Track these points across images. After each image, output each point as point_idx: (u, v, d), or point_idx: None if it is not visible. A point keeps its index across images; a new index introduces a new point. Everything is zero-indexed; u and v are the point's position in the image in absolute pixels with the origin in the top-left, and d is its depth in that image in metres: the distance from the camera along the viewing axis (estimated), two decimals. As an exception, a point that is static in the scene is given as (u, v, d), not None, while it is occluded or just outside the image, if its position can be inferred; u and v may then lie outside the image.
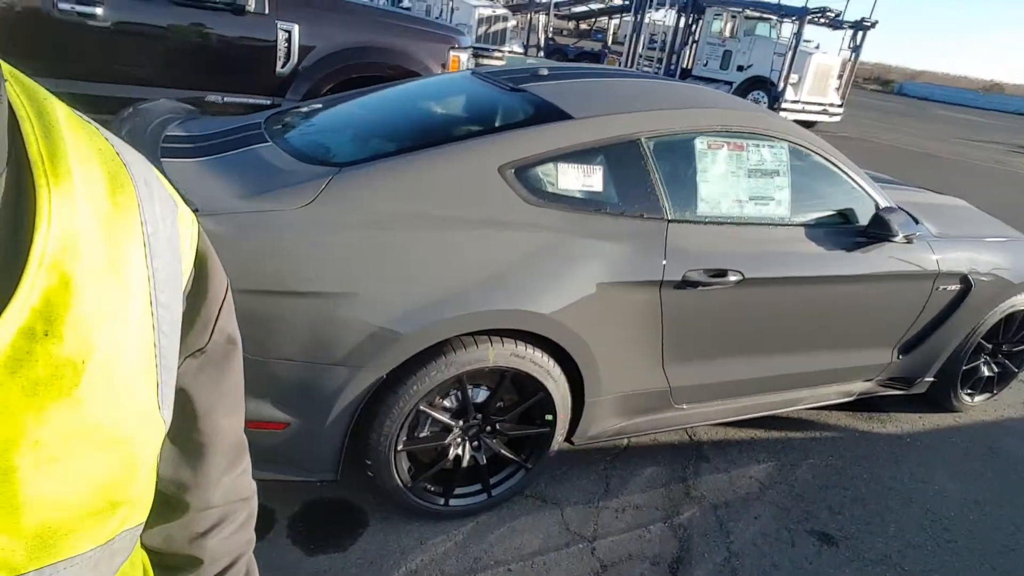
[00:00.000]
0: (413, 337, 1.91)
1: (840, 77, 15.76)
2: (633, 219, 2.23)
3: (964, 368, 3.26)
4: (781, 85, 14.61)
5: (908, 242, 2.63)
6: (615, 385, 2.35)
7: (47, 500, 0.41)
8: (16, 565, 0.41)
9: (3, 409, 0.38)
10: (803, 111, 15.10)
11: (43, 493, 0.41)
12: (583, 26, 25.80)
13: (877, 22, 15.15)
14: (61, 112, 0.45)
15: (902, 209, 2.80)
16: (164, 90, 4.09)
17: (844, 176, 2.66)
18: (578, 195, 2.18)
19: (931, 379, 3.20)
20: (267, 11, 4.28)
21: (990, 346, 3.31)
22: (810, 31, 16.83)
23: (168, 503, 0.61)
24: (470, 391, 2.14)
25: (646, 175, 2.26)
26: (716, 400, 2.64)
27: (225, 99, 4.30)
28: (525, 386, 2.21)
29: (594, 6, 20.65)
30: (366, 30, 4.59)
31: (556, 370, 2.20)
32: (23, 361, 0.39)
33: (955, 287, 2.92)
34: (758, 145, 2.46)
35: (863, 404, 3.34)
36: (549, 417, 2.29)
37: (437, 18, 18.74)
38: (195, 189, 1.96)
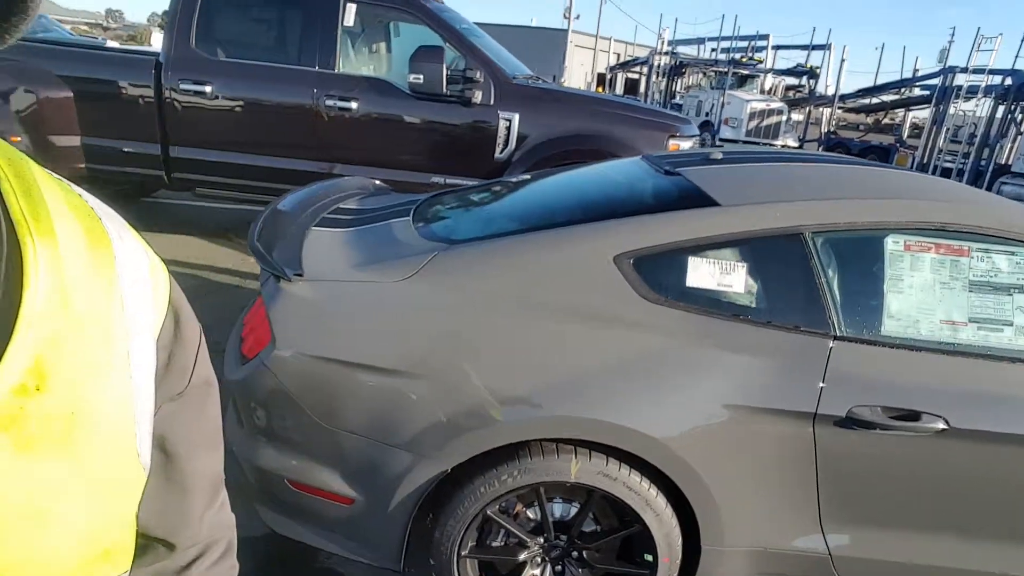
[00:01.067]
0: (481, 432, 1.71)
1: None
2: (783, 331, 1.77)
3: None
4: None
5: None
6: (746, 536, 1.84)
7: (45, 553, 0.43)
8: None
9: None
10: None
11: (41, 546, 0.42)
12: (885, 120, 23.62)
13: None
14: (37, 171, 0.47)
15: None
16: (396, 171, 4.57)
17: None
18: (711, 295, 1.80)
19: None
20: (492, 103, 4.58)
21: None
22: None
23: (156, 545, 0.61)
24: (551, 506, 1.84)
25: (807, 277, 1.80)
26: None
27: (447, 181, 4.65)
28: (619, 513, 1.84)
29: (887, 98, 18.72)
30: (581, 118, 4.65)
31: (659, 501, 1.79)
32: (16, 418, 0.40)
33: None
34: (988, 250, 1.82)
35: None
36: (648, 557, 1.87)
37: (707, 114, 18.72)
38: (320, 256, 2.04)
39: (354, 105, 4.58)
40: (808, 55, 21.62)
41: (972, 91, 14.91)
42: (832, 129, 19.27)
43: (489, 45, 4.93)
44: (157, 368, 0.53)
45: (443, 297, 1.83)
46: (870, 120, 21.82)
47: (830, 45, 21.10)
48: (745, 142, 16.90)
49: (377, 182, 3.13)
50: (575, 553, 1.92)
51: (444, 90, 4.44)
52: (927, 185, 2.16)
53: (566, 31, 48.25)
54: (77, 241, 0.46)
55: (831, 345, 1.75)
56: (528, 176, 2.87)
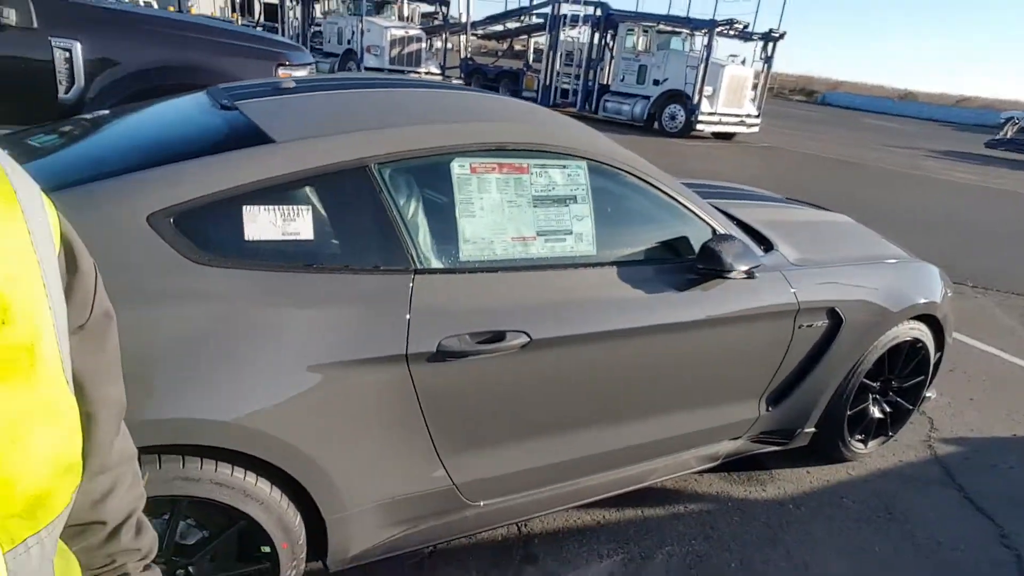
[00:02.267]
0: None
1: (755, 88, 15.77)
2: (361, 275, 1.63)
3: (849, 413, 2.76)
4: (696, 98, 14.49)
5: (749, 276, 2.10)
6: (371, 492, 1.74)
7: (24, 473, 0.47)
8: (14, 535, 0.48)
9: None
10: (720, 123, 15.02)
11: (18, 466, 0.47)
12: (517, 46, 25.65)
13: (785, 33, 15.24)
14: None
15: (744, 236, 2.29)
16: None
17: (668, 198, 2.13)
18: (276, 247, 1.57)
19: (812, 429, 2.69)
20: (35, 25, 3.58)
21: (877, 385, 2.83)
22: (725, 45, 16.85)
23: None
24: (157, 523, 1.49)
25: (379, 213, 1.67)
26: (530, 490, 2.05)
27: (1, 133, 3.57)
28: (224, 511, 1.58)
29: (512, 25, 20.32)
30: (169, 46, 3.93)
31: (262, 488, 1.57)
32: None
33: (822, 323, 2.42)
34: (544, 166, 1.90)
35: (744, 463, 2.82)
36: (266, 549, 1.66)
37: (348, 41, 18.17)
38: None
39: None
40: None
41: (575, 20, 16.94)
42: (469, 56, 20.33)
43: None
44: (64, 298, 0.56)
45: None
46: (504, 47, 23.56)
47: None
48: (390, 70, 16.89)
49: None
50: (181, 572, 1.61)
51: (-48, 9, 3.31)
52: (490, 106, 2.19)
53: (184, -52, 42.21)
54: None
55: (412, 280, 1.66)
56: (87, 117, 2.25)
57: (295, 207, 1.58)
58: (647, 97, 15.47)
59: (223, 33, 4.29)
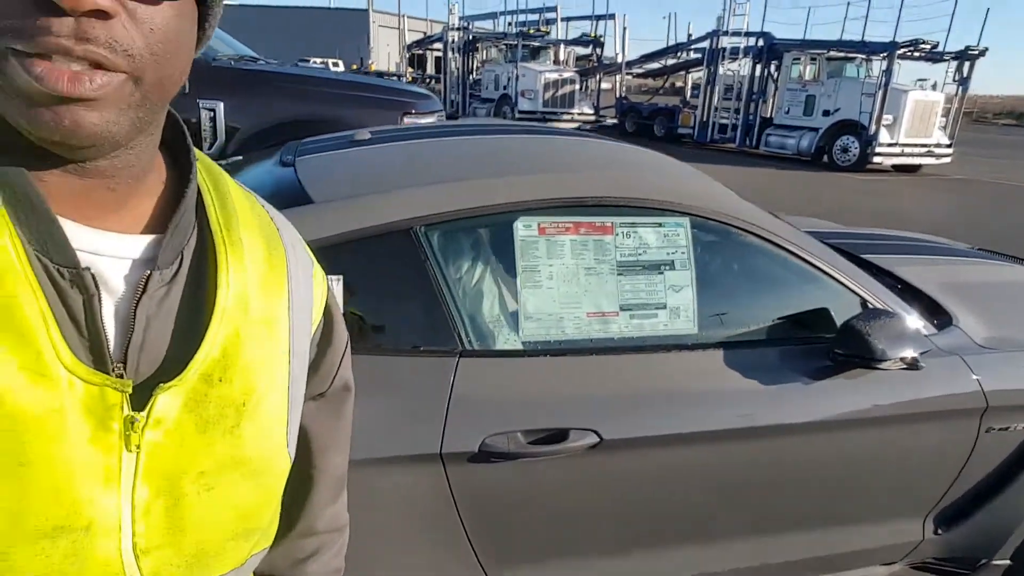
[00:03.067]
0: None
1: (947, 114, 13.96)
2: (398, 356, 1.39)
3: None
4: (873, 128, 13.08)
5: (912, 367, 1.59)
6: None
7: (205, 524, 0.49)
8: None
9: (180, 443, 0.46)
10: (902, 154, 13.42)
11: (203, 517, 0.48)
12: (675, 83, 25.24)
13: (986, 50, 13.37)
14: (231, 184, 0.56)
15: (910, 307, 1.77)
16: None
17: (798, 260, 1.69)
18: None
19: (1005, 562, 2.03)
20: (187, 91, 3.87)
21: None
22: (909, 68, 15.15)
23: (278, 527, 0.62)
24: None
25: (423, 282, 1.43)
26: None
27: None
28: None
29: (668, 62, 19.87)
30: (300, 101, 4.09)
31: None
32: (200, 402, 0.47)
33: (1022, 426, 1.81)
34: (634, 224, 1.56)
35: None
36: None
37: (504, 87, 18.74)
38: None
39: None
40: (598, 24, 22.43)
41: (735, 52, 16.16)
42: (624, 95, 20.14)
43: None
44: (308, 367, 0.59)
45: None
46: (661, 84, 23.17)
47: (613, 15, 22.07)
48: (543, 113, 17.12)
49: None
50: None
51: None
52: (585, 153, 1.88)
53: (367, 11, 46.57)
54: (258, 250, 0.53)
55: (456, 364, 1.40)
56: None
57: (328, 276, 1.39)
58: (815, 129, 14.25)
59: (353, 86, 4.41)
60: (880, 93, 12.94)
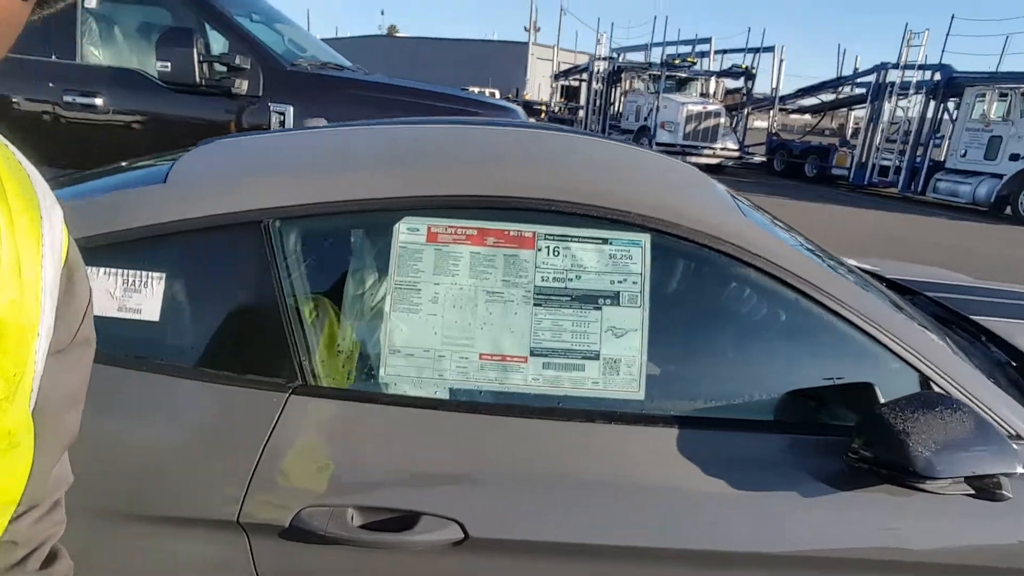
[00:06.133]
0: None
1: None
2: (215, 383, 1.06)
3: None
4: (1074, 178, 11.06)
5: (986, 495, 1.00)
6: None
7: None
8: None
9: None
10: (1112, 211, 11.24)
11: None
12: (834, 122, 23.40)
13: None
14: None
15: (1007, 399, 1.17)
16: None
17: (819, 307, 1.15)
18: (108, 328, 1.09)
19: None
20: (261, 93, 3.88)
21: None
22: None
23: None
24: None
25: (263, 291, 1.09)
26: None
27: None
28: None
29: (826, 98, 18.30)
30: (374, 108, 3.96)
31: None
32: None
33: None
34: (565, 237, 1.12)
35: None
36: None
37: (645, 118, 18.17)
38: None
39: (98, 101, 3.86)
40: (755, 57, 21.25)
41: (905, 88, 14.50)
42: (774, 131, 18.82)
43: (266, 27, 4.25)
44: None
45: None
46: (815, 121, 21.49)
47: (773, 47, 20.80)
48: (683, 147, 16.34)
49: None
50: None
51: (197, 79, 3.73)
52: (540, 145, 1.46)
53: (527, 44, 48.26)
54: (21, 209, 0.48)
55: (284, 403, 1.04)
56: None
57: (146, 273, 1.10)
58: (998, 176, 12.34)
59: (430, 96, 4.23)
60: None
